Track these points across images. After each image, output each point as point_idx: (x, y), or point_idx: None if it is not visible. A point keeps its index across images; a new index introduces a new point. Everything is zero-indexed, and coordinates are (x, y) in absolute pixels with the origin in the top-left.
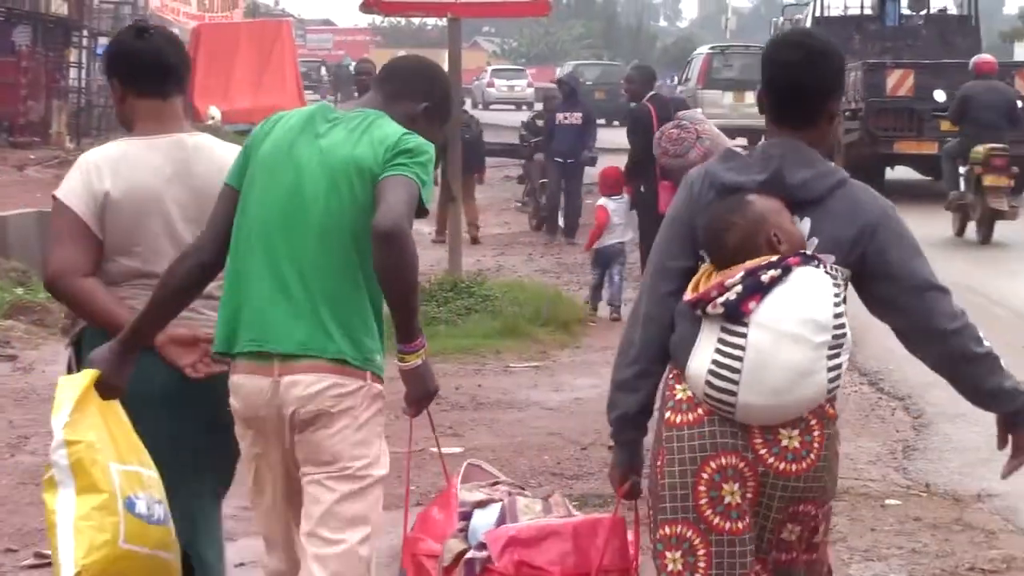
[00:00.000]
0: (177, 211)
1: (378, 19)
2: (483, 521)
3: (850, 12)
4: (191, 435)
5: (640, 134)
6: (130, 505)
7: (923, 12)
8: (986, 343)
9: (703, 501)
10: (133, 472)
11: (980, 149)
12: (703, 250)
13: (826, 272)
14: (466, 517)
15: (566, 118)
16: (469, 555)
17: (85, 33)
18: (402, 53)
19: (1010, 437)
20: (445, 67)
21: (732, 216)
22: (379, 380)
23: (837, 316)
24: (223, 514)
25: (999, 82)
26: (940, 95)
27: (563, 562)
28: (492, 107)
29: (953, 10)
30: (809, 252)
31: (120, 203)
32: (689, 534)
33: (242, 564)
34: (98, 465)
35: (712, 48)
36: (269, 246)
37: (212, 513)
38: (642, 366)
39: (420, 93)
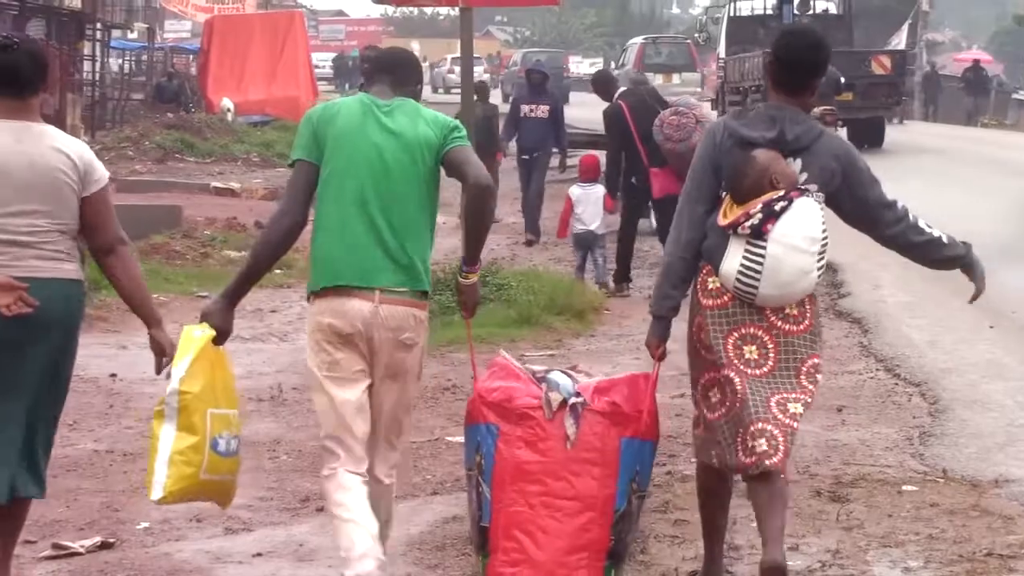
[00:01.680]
0: (14, 177)
1: (390, 10)
2: (560, 379)
3: (756, 12)
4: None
5: (616, 132)
6: (215, 445)
7: (809, 12)
8: (927, 231)
9: (732, 355)
10: (223, 415)
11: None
12: (725, 189)
13: (816, 201)
14: (542, 380)
15: (532, 110)
16: (571, 401)
17: (99, 26)
18: (414, 43)
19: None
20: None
21: (744, 168)
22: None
23: (823, 232)
24: (240, 504)
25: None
26: None
27: (627, 402)
28: (452, 91)
29: (833, 10)
30: (803, 186)
31: None
32: (728, 374)
33: (259, 554)
34: (199, 413)
35: (645, 38)
36: (363, 204)
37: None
38: (681, 267)
39: (413, 79)
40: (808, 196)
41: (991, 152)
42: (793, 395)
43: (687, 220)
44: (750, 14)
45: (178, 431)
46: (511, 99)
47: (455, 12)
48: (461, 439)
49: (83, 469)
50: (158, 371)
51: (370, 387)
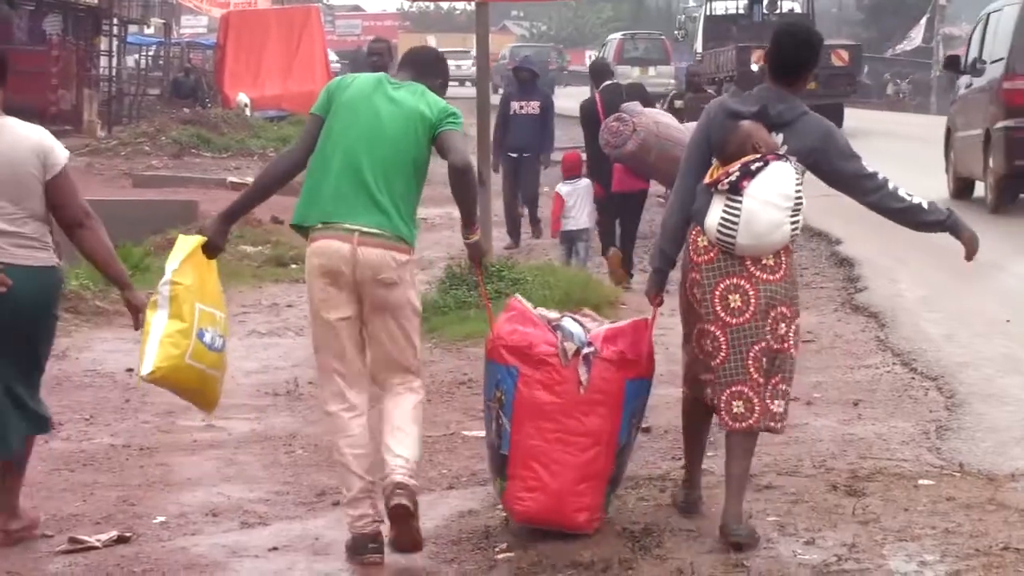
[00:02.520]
0: None
1: (407, 4)
2: (573, 327)
3: (729, 12)
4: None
5: (587, 124)
6: (200, 335)
7: (776, 11)
8: (907, 199)
9: (718, 306)
10: (209, 312)
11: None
12: (714, 154)
13: (792, 165)
14: (555, 327)
15: (522, 107)
16: (584, 352)
17: (115, 21)
18: (430, 38)
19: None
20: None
21: (731, 135)
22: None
23: (797, 192)
24: (256, 498)
25: None
26: None
27: (631, 348)
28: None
29: (798, 9)
30: (781, 153)
31: None
32: (712, 330)
33: (275, 548)
34: (188, 303)
35: (624, 34)
36: (353, 156)
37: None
38: (677, 226)
39: (438, 74)
40: (785, 160)
41: None
42: (767, 346)
43: (682, 186)
44: (724, 13)
45: (169, 318)
46: (501, 96)
47: (471, 7)
48: (477, 434)
49: (99, 463)
50: (137, 327)
51: (364, 323)
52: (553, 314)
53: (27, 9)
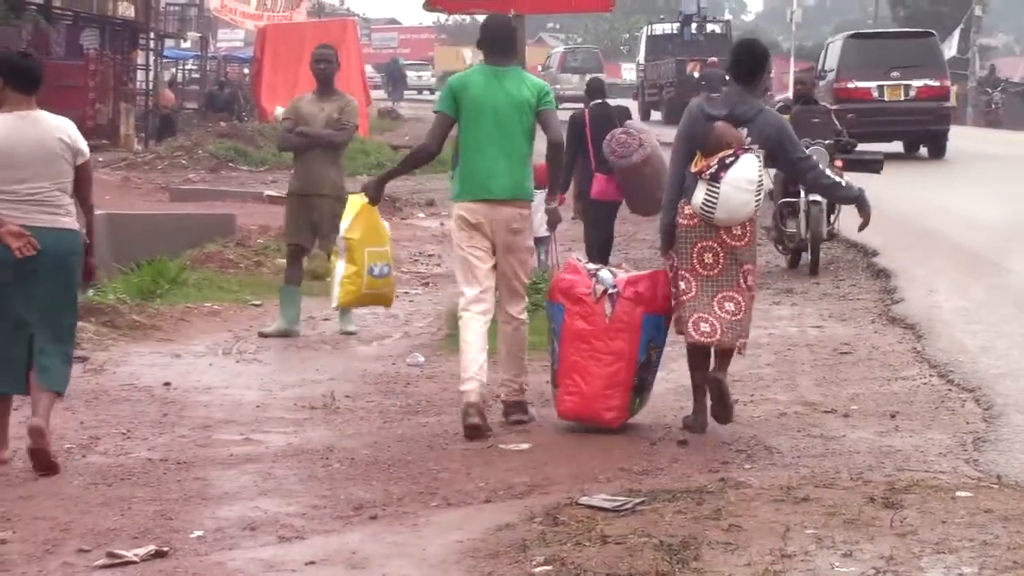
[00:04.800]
0: (23, 153)
1: (443, 17)
2: (606, 275)
3: (666, 32)
4: (30, 287)
5: (572, 136)
6: (371, 270)
7: (705, 31)
8: (831, 177)
9: (695, 261)
10: (377, 251)
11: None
12: (698, 147)
13: (756, 156)
14: (594, 274)
15: None
16: (610, 291)
17: (152, 35)
18: (466, 51)
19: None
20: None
21: (709, 134)
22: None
23: (760, 177)
24: (293, 512)
25: (718, 69)
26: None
27: (648, 290)
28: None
29: (719, 30)
30: (748, 146)
31: None
32: (688, 277)
33: (312, 562)
34: (358, 251)
35: (565, 48)
36: (490, 142)
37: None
38: (673, 202)
39: (513, 51)
40: (751, 153)
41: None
42: (731, 293)
43: (675, 171)
44: (662, 32)
45: (346, 263)
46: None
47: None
48: (513, 447)
49: (137, 478)
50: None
51: (495, 261)
52: (595, 265)
53: (65, 23)
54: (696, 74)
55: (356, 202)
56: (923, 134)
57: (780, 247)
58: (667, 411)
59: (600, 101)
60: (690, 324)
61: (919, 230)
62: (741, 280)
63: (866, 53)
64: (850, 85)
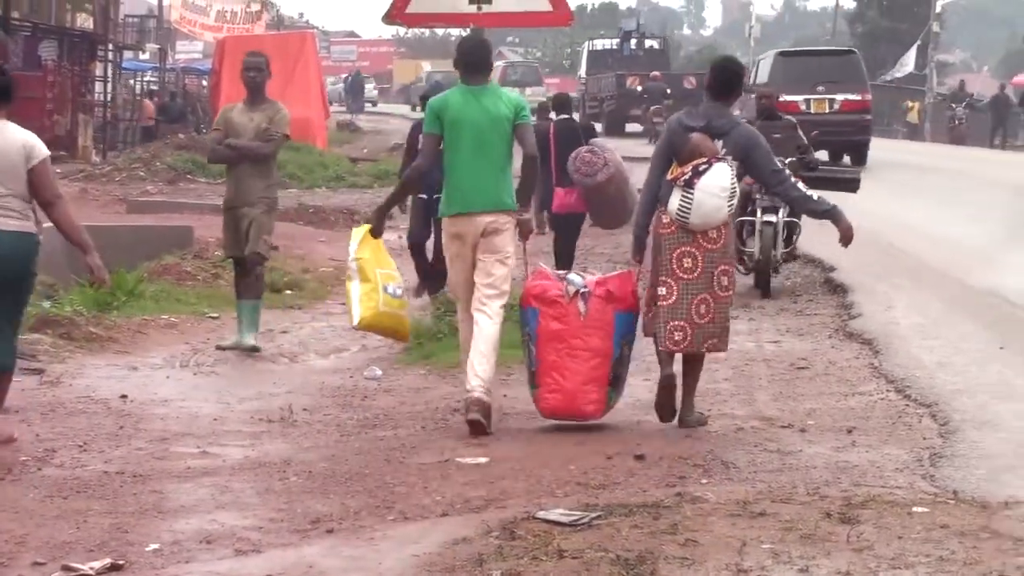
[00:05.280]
0: None
1: (402, 31)
2: (575, 278)
3: (606, 47)
4: None
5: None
6: (385, 288)
7: (644, 47)
8: (802, 191)
9: (675, 266)
10: (387, 273)
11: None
12: (674, 157)
13: (728, 165)
14: (563, 278)
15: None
16: (582, 291)
17: (110, 47)
18: (425, 64)
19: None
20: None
21: (685, 145)
22: (513, 215)
23: (732, 184)
24: (250, 525)
25: (660, 82)
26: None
27: (618, 289)
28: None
29: (657, 46)
30: (722, 157)
31: None
32: (669, 281)
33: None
34: (370, 270)
35: (506, 63)
36: (473, 157)
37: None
38: (648, 208)
39: (487, 67)
40: (724, 162)
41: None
42: (706, 295)
43: (651, 178)
44: (603, 48)
45: (361, 283)
46: (411, 127)
47: (466, 32)
48: (471, 460)
49: (93, 490)
50: (94, 283)
51: (476, 263)
52: (564, 272)
53: (23, 35)
54: (639, 88)
55: (359, 230)
56: (846, 144)
57: (740, 266)
58: (621, 427)
59: (566, 116)
60: (664, 333)
61: (878, 246)
62: (716, 282)
63: (794, 69)
64: (780, 99)
